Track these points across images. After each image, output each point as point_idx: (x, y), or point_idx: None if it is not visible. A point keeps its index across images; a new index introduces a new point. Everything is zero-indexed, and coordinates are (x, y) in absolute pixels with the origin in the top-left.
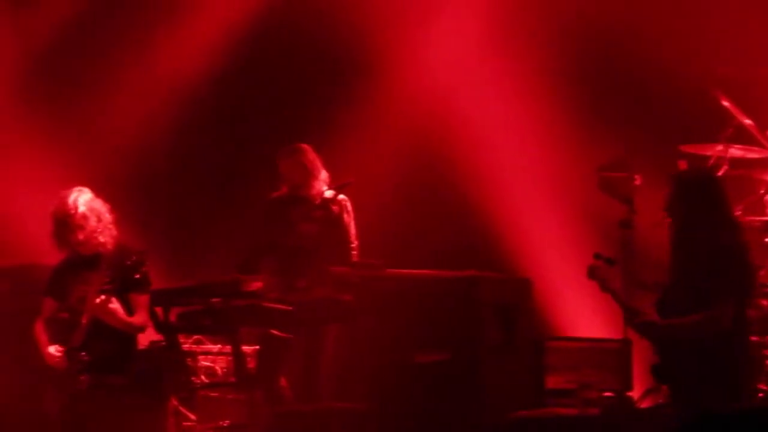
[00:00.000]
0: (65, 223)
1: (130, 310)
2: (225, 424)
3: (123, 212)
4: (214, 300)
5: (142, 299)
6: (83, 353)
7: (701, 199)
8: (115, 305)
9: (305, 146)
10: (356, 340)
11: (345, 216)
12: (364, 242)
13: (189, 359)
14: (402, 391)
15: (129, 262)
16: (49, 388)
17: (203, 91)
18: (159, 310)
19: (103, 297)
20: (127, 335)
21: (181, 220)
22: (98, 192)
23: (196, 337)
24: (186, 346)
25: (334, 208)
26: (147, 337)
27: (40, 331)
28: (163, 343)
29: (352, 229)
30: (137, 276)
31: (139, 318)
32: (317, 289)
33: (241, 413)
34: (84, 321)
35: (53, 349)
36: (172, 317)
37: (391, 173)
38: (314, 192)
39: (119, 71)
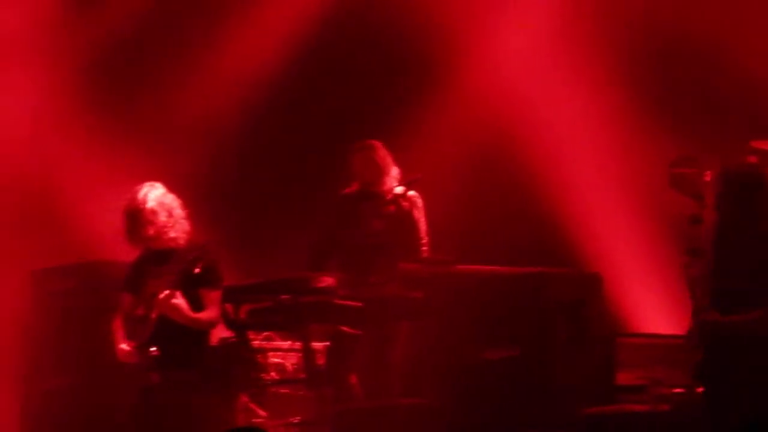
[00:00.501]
0: (135, 218)
1: (200, 305)
2: (295, 421)
3: (193, 209)
4: (285, 297)
5: (212, 295)
6: (153, 349)
7: (749, 194)
8: (178, 301)
9: (377, 143)
10: (426, 336)
11: (415, 212)
12: (434, 238)
13: (259, 356)
14: (471, 387)
15: (190, 258)
16: (121, 384)
17: (272, 88)
18: (229, 306)
19: (166, 292)
20: (197, 332)
21: (252, 217)
22: (168, 189)
23: (266, 333)
24: (256, 343)
25: (405, 204)
26: (217, 334)
27: (117, 326)
28: (233, 340)
29: (423, 226)
30: (198, 271)
31: (208, 314)
32: (387, 286)
33: (311, 410)
34: (153, 316)
35: (124, 345)
36: (243, 314)
37: (460, 169)
38: (385, 188)
39: (188, 68)
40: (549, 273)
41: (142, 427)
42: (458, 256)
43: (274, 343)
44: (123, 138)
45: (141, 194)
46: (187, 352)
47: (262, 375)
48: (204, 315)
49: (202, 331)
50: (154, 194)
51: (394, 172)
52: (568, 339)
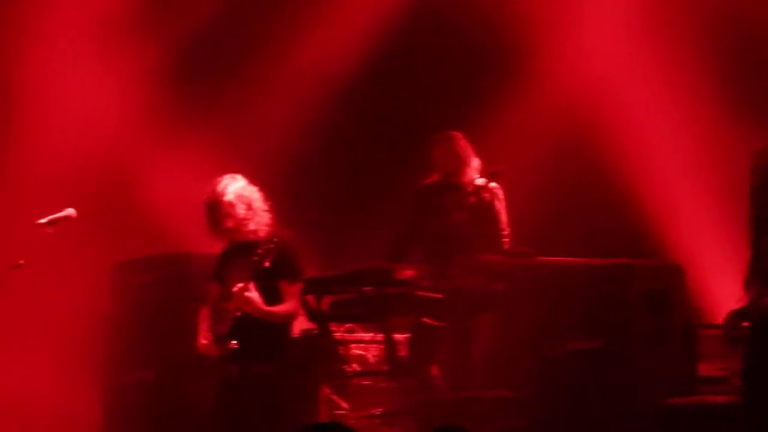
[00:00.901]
0: (214, 210)
1: (279, 298)
2: (377, 413)
3: (276, 202)
4: (367, 288)
5: (290, 288)
6: (232, 341)
7: None
8: (251, 294)
9: (458, 134)
10: (508, 328)
11: (496, 203)
12: (516, 230)
13: (341, 348)
14: (554, 379)
15: (261, 251)
16: (201, 376)
17: (354, 80)
18: (311, 298)
19: (240, 285)
20: (275, 325)
21: (334, 208)
22: (251, 182)
23: (348, 325)
24: (338, 335)
25: (486, 195)
26: (299, 326)
27: (202, 318)
28: (316, 332)
29: (504, 217)
30: (268, 264)
31: (285, 306)
32: (469, 277)
33: (393, 401)
34: (232, 309)
35: (204, 338)
36: (325, 305)
37: (542, 160)
38: (466, 179)
39: (270, 62)
40: (631, 264)
41: (222, 421)
42: (540, 248)
43: (356, 334)
44: (206, 130)
45: (220, 187)
46: (266, 345)
47: (344, 367)
48: (280, 308)
49: (281, 324)
50: (233, 187)
51: (475, 163)
52: (651, 330)
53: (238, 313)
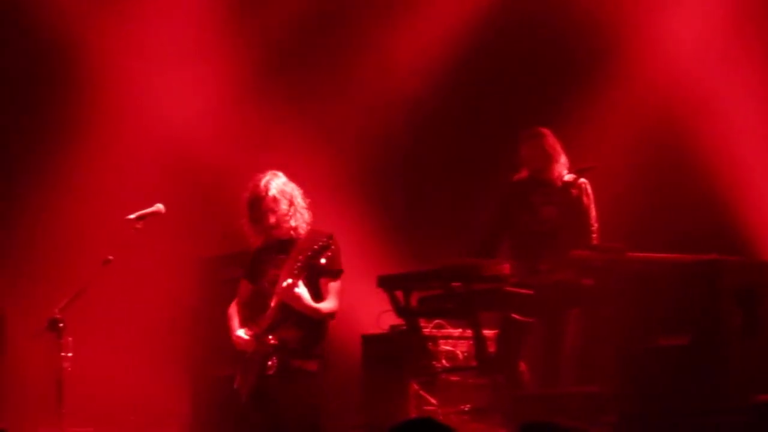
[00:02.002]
0: (256, 206)
1: (320, 295)
2: (466, 408)
3: (364, 197)
4: (456, 284)
5: (332, 285)
6: (271, 337)
7: None
8: (301, 290)
9: (546, 130)
10: (597, 323)
11: (585, 199)
12: (606, 226)
13: (430, 343)
14: (644, 375)
15: (315, 247)
16: (239, 371)
17: (442, 76)
18: (400, 294)
19: (289, 281)
20: (316, 321)
21: (422, 204)
22: (339, 178)
23: (436, 321)
24: (427, 331)
25: (574, 191)
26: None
27: (232, 313)
28: (404, 328)
29: (593, 213)
30: (324, 261)
31: (329, 304)
32: (558, 273)
33: (482, 397)
34: (272, 305)
35: (242, 333)
36: (413, 301)
37: (632, 156)
38: (554, 176)
39: (358, 61)
40: (721, 260)
41: (258, 415)
42: (630, 244)
43: (445, 330)
44: (295, 128)
45: (263, 183)
46: (305, 342)
47: (433, 363)
48: (325, 305)
49: (321, 321)
50: (276, 183)
51: (563, 159)
52: (741, 327)
53: (278, 309)
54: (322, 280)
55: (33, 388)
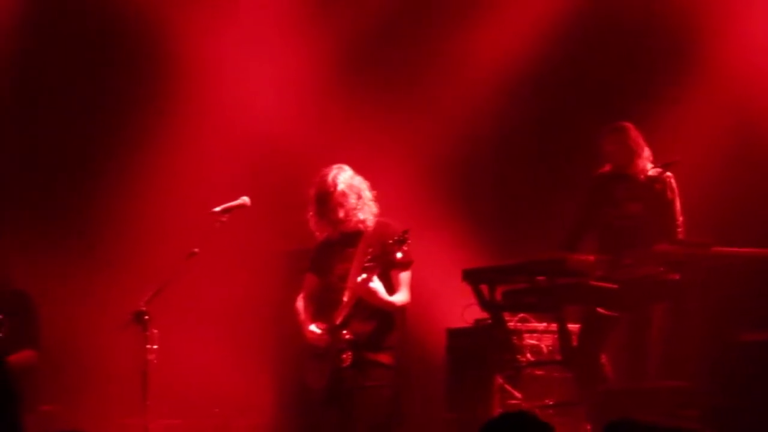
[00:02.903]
0: (324, 201)
1: (391, 287)
2: (550, 403)
3: (450, 191)
4: (540, 278)
5: (403, 277)
6: (345, 331)
7: None
8: (376, 285)
9: (628, 124)
10: (683, 318)
11: (669, 193)
12: (691, 221)
13: (514, 337)
14: (728, 369)
15: (390, 241)
16: (311, 365)
17: (529, 71)
18: (484, 288)
19: (364, 275)
20: (388, 314)
21: (508, 198)
22: (425, 172)
23: (521, 315)
24: (511, 324)
25: (658, 185)
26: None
27: (301, 308)
28: (489, 322)
29: (677, 207)
30: (398, 254)
31: (401, 296)
32: (643, 267)
33: (566, 392)
34: (345, 299)
35: (314, 327)
36: (498, 295)
37: (717, 150)
38: (638, 170)
39: (444, 53)
40: None
41: (333, 409)
42: (715, 238)
43: (530, 324)
44: (381, 121)
45: (330, 177)
46: (379, 335)
47: (518, 356)
48: (398, 298)
49: (394, 315)
50: (343, 177)
51: (646, 153)
52: None
53: (351, 304)
54: (393, 272)
55: (118, 380)
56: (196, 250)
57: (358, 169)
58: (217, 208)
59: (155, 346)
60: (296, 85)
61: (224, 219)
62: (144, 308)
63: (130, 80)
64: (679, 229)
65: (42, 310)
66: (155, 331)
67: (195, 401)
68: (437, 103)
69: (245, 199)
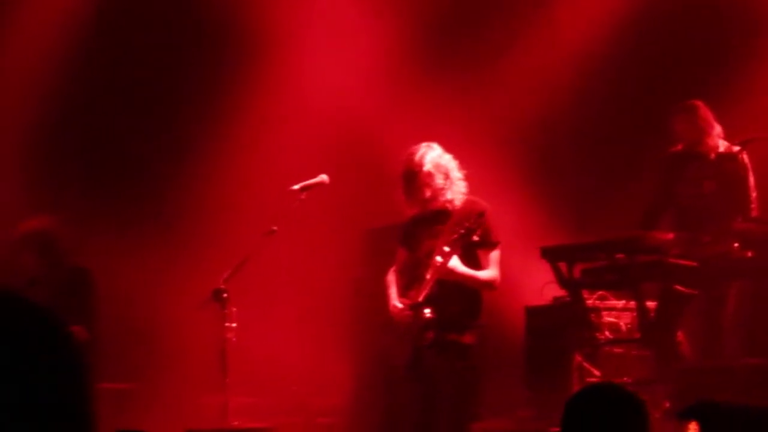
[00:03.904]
0: (412, 180)
1: (479, 266)
2: (629, 381)
3: (528, 169)
4: (619, 255)
5: (491, 255)
6: (428, 311)
7: None
8: (454, 262)
9: (698, 103)
10: (759, 295)
11: (742, 171)
12: (766, 198)
13: (593, 315)
14: None
15: (467, 224)
16: (394, 342)
17: (602, 47)
18: (563, 265)
19: (446, 252)
20: (473, 294)
21: (586, 176)
22: (504, 149)
23: (600, 292)
24: (590, 302)
25: (731, 163)
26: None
27: (389, 282)
28: (568, 299)
29: (751, 183)
30: (482, 233)
31: (488, 273)
32: (720, 245)
33: (645, 369)
34: (428, 277)
35: (399, 303)
36: (577, 273)
37: None
38: (708, 148)
39: (525, 33)
40: None
41: (414, 387)
42: None
43: (608, 302)
44: (459, 100)
45: (417, 156)
46: (462, 315)
47: (596, 334)
48: (483, 273)
49: (477, 295)
50: (430, 156)
51: (717, 130)
52: None
53: (433, 281)
54: (480, 252)
55: (197, 358)
56: (275, 227)
57: (444, 147)
58: (296, 186)
59: (234, 324)
60: (376, 63)
61: (303, 197)
62: (223, 286)
63: (209, 61)
64: (753, 206)
65: (120, 289)
66: (234, 309)
67: (273, 379)
68: (516, 83)
69: (324, 177)
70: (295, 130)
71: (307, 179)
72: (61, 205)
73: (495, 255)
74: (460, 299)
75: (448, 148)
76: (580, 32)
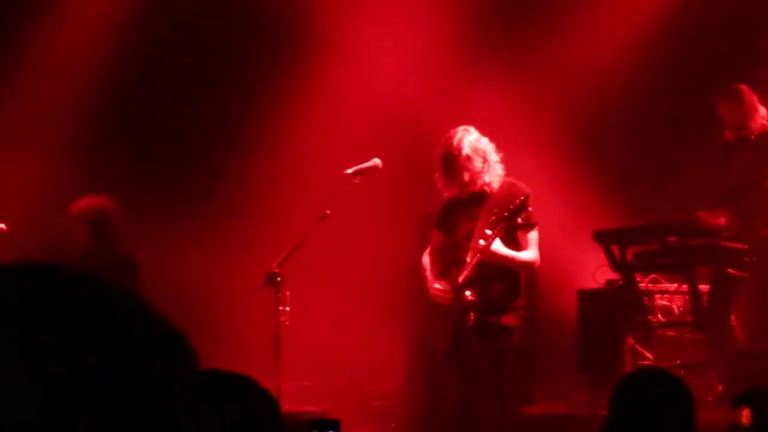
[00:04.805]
0: (450, 164)
1: (518, 248)
2: (681, 363)
3: (582, 152)
4: (671, 239)
5: (531, 237)
6: (469, 293)
7: None
8: (496, 245)
9: (742, 86)
10: None
11: None
12: None
13: (646, 298)
14: None
15: (511, 206)
16: (435, 323)
17: (655, 33)
18: (615, 249)
19: (488, 234)
20: (513, 275)
21: (639, 159)
22: (558, 133)
23: (652, 275)
24: (643, 285)
25: (765, 141)
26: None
27: (426, 264)
28: (620, 283)
29: None
30: (522, 216)
31: (528, 254)
32: None
33: (698, 352)
34: (469, 259)
35: (438, 285)
36: (629, 256)
37: None
38: (753, 131)
39: (572, 25)
40: None
41: (456, 369)
42: None
43: (661, 285)
44: (511, 80)
45: (455, 140)
46: (503, 297)
47: (649, 317)
48: (523, 254)
49: (518, 277)
50: (468, 140)
51: (762, 112)
52: None
53: (474, 265)
54: (520, 234)
55: (251, 341)
56: (328, 211)
57: (496, 132)
58: (349, 170)
59: (287, 308)
60: (431, 49)
61: (356, 181)
62: (277, 270)
63: (263, 49)
64: None
65: (176, 273)
66: (288, 292)
67: (327, 363)
68: (567, 65)
69: (377, 161)
70: (349, 115)
71: (361, 163)
72: (116, 193)
73: (534, 236)
74: (501, 281)
75: (502, 134)
76: (633, 21)
